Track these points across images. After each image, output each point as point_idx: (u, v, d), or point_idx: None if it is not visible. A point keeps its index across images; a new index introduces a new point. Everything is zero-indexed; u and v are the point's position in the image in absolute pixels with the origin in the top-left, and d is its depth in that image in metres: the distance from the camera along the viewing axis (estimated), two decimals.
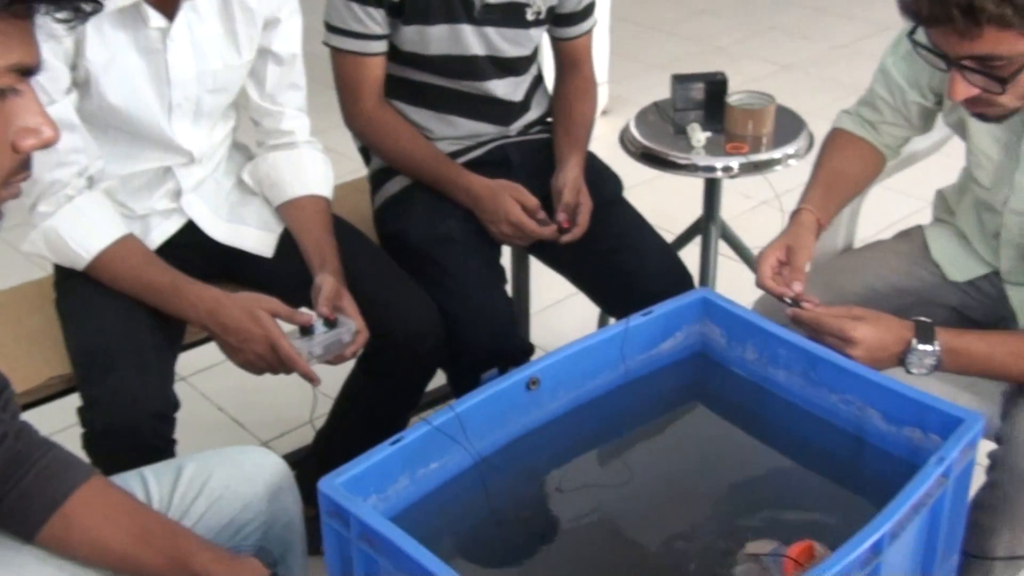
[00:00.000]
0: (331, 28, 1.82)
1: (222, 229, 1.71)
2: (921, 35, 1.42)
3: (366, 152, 2.01)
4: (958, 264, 1.72)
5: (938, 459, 1.24)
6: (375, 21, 1.79)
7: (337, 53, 1.83)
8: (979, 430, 1.30)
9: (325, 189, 1.76)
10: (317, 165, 1.77)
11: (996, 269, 1.68)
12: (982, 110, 1.44)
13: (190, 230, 1.69)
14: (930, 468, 1.23)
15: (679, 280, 1.85)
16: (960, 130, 1.65)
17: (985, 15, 1.29)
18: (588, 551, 1.30)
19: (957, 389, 1.62)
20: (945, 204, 1.79)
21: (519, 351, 1.80)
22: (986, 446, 1.51)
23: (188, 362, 1.90)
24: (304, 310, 1.57)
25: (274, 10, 1.63)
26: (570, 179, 1.86)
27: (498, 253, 1.92)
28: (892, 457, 1.38)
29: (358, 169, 2.08)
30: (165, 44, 1.52)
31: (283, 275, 1.70)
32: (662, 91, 2.26)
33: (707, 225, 2.26)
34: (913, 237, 1.79)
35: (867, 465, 1.41)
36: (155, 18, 1.50)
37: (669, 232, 2.25)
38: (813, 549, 1.22)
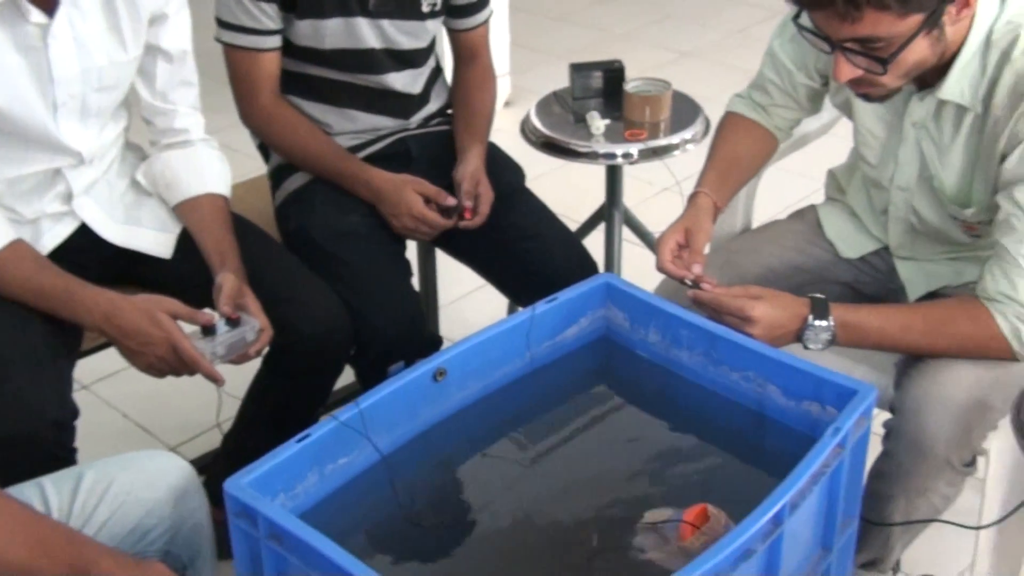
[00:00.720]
0: (223, 24, 1.79)
1: (117, 231, 1.68)
2: (806, 19, 1.46)
3: (265, 149, 1.98)
4: (850, 241, 1.77)
5: (834, 430, 1.28)
6: (268, 16, 1.77)
7: (230, 49, 1.81)
8: (872, 400, 1.34)
9: (223, 187, 1.74)
10: (213, 163, 1.74)
11: (886, 245, 1.74)
12: (866, 90, 1.48)
13: (84, 233, 1.65)
14: (827, 439, 1.27)
15: (583, 267, 1.87)
16: (847, 110, 1.70)
17: None
18: (499, 538, 1.31)
19: (852, 362, 1.67)
20: (836, 183, 1.84)
21: (428, 344, 1.81)
22: (883, 418, 1.57)
23: (89, 369, 1.86)
24: (206, 311, 1.55)
25: (160, 5, 1.60)
26: (470, 170, 1.87)
27: (403, 247, 1.92)
28: (792, 431, 1.41)
29: (257, 168, 2.05)
30: (46, 41, 1.48)
31: (183, 276, 1.68)
32: (565, 81, 2.28)
33: (610, 212, 2.29)
34: (807, 216, 1.84)
35: (768, 439, 1.45)
36: (34, 14, 1.46)
37: (574, 221, 2.27)
38: (707, 511, 1.26)
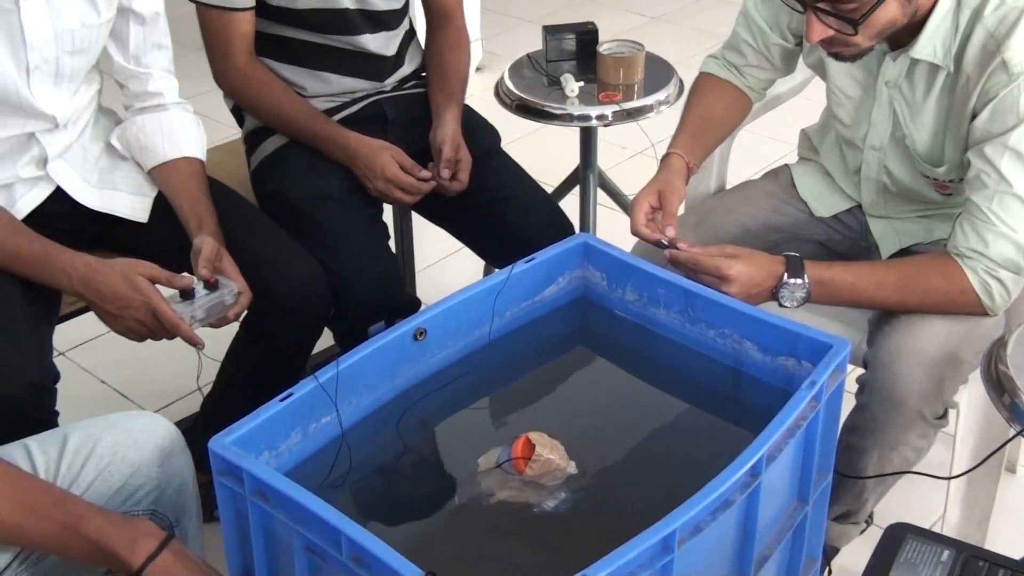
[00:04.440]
0: None
1: (93, 195, 1.67)
2: None
3: (239, 112, 1.98)
4: (823, 200, 1.79)
5: (809, 383, 1.30)
6: None
7: (203, 9, 1.80)
8: (847, 354, 1.36)
9: (198, 150, 1.74)
10: (188, 126, 1.74)
11: (859, 203, 1.76)
12: (838, 50, 1.50)
13: (59, 198, 1.65)
14: (802, 392, 1.29)
15: (560, 228, 1.88)
16: (820, 70, 1.72)
17: None
18: (479, 499, 1.33)
19: (826, 319, 1.70)
20: (809, 143, 1.87)
21: (406, 305, 1.82)
22: (856, 375, 1.60)
23: (67, 336, 1.87)
24: (184, 275, 1.55)
25: None
26: (448, 134, 1.87)
27: (379, 210, 1.92)
28: (768, 386, 1.44)
29: (232, 134, 2.05)
30: (17, 3, 1.47)
31: (160, 240, 1.68)
32: (536, 46, 2.28)
33: (585, 174, 2.30)
34: (781, 176, 1.86)
35: (745, 395, 1.47)
36: None
37: (549, 184, 2.28)
38: (529, 440, 1.32)
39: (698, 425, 1.47)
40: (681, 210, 1.67)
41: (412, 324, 1.43)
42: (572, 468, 1.33)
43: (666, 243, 1.57)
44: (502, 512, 1.31)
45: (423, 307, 1.82)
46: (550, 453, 1.31)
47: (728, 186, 2.02)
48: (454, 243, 2.03)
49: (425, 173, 1.84)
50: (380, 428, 1.41)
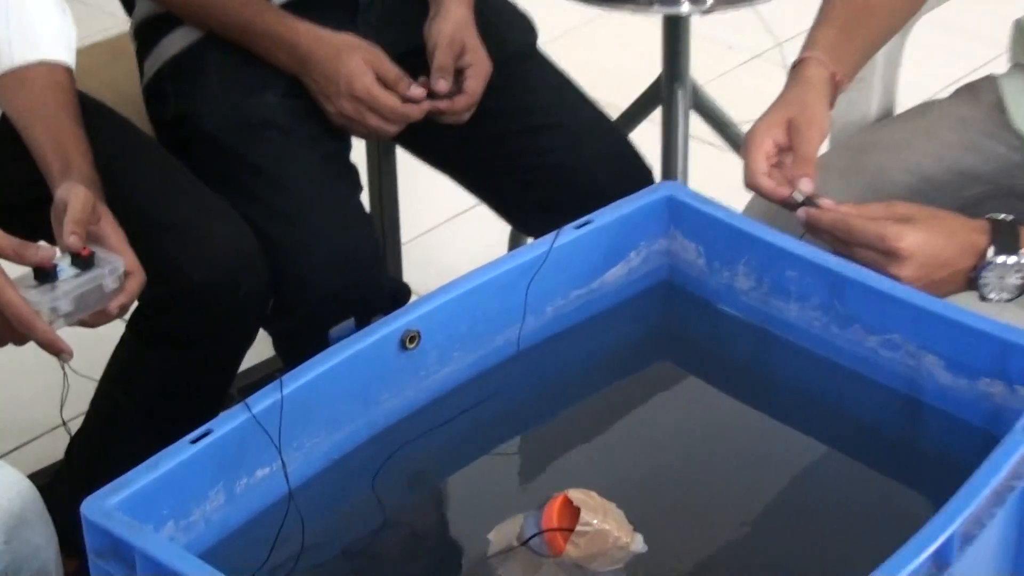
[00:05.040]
0: None
1: None
2: None
3: None
4: None
5: None
6: None
7: None
8: None
9: (63, 51, 1.74)
10: (50, 15, 1.75)
11: None
12: None
13: None
14: (1017, 435, 1.28)
15: (630, 173, 1.89)
16: None
17: None
18: None
19: None
20: None
21: (387, 295, 1.83)
22: None
23: None
24: (41, 244, 1.56)
25: None
26: (450, 27, 1.88)
27: (346, 146, 1.94)
28: (962, 424, 1.43)
29: (117, 26, 2.06)
30: None
31: (3, 189, 1.70)
32: None
33: (671, 91, 2.31)
34: (981, 95, 1.85)
35: (924, 438, 1.47)
36: None
37: (613, 107, 2.28)
38: (568, 500, 1.30)
39: (847, 483, 1.47)
40: (824, 148, 1.66)
41: (398, 325, 1.43)
42: (639, 544, 1.32)
43: (800, 199, 1.57)
44: None
45: (413, 299, 1.83)
46: (603, 521, 1.30)
47: (898, 110, 2.01)
48: (463, 198, 2.03)
49: (416, 89, 1.84)
50: (346, 487, 1.41)
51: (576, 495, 1.31)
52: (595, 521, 1.30)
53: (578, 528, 1.29)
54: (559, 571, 1.31)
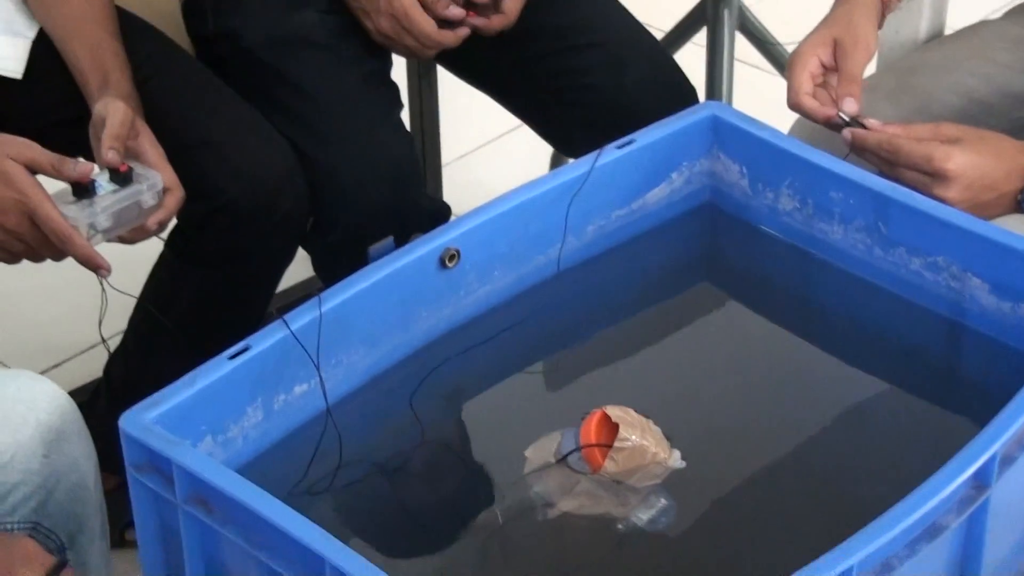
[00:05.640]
0: None
1: None
2: None
3: None
4: None
5: None
6: None
7: None
8: None
9: None
10: None
11: None
12: None
13: None
14: None
15: (674, 93, 1.88)
16: None
17: None
18: (531, 511, 1.33)
19: None
20: None
21: (427, 213, 1.83)
22: None
23: None
24: (80, 160, 1.56)
25: None
26: None
27: (387, 63, 1.93)
28: (1005, 348, 1.43)
29: None
30: None
31: (41, 105, 1.70)
32: None
33: (716, 11, 2.30)
34: None
35: (967, 362, 1.48)
36: None
37: (656, 27, 2.26)
38: (606, 416, 1.31)
39: (889, 406, 1.47)
40: (872, 69, 1.64)
41: (439, 242, 1.44)
42: (676, 460, 1.33)
43: (846, 119, 1.56)
44: (567, 531, 1.31)
45: (453, 217, 1.83)
46: (642, 437, 1.31)
47: (948, 30, 2.00)
48: (505, 119, 2.02)
49: (455, 9, 1.82)
50: (384, 404, 1.42)
51: (614, 411, 1.32)
52: (633, 437, 1.31)
53: (616, 444, 1.30)
54: (596, 487, 1.32)
